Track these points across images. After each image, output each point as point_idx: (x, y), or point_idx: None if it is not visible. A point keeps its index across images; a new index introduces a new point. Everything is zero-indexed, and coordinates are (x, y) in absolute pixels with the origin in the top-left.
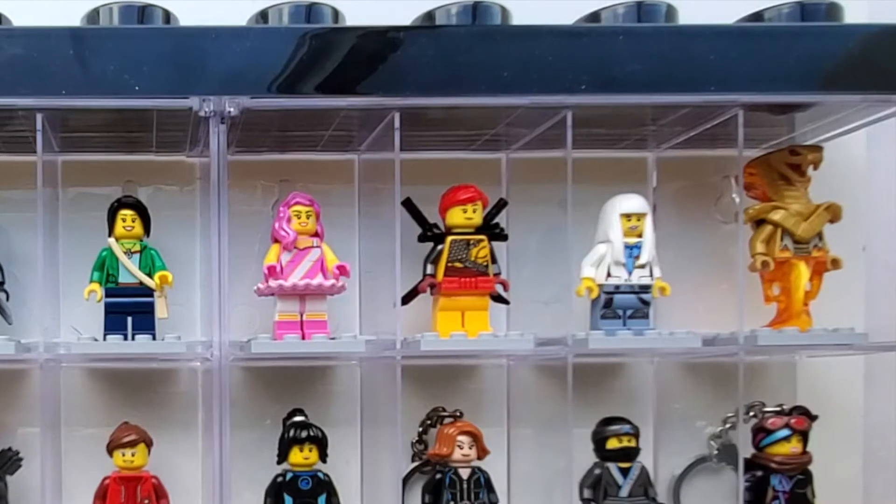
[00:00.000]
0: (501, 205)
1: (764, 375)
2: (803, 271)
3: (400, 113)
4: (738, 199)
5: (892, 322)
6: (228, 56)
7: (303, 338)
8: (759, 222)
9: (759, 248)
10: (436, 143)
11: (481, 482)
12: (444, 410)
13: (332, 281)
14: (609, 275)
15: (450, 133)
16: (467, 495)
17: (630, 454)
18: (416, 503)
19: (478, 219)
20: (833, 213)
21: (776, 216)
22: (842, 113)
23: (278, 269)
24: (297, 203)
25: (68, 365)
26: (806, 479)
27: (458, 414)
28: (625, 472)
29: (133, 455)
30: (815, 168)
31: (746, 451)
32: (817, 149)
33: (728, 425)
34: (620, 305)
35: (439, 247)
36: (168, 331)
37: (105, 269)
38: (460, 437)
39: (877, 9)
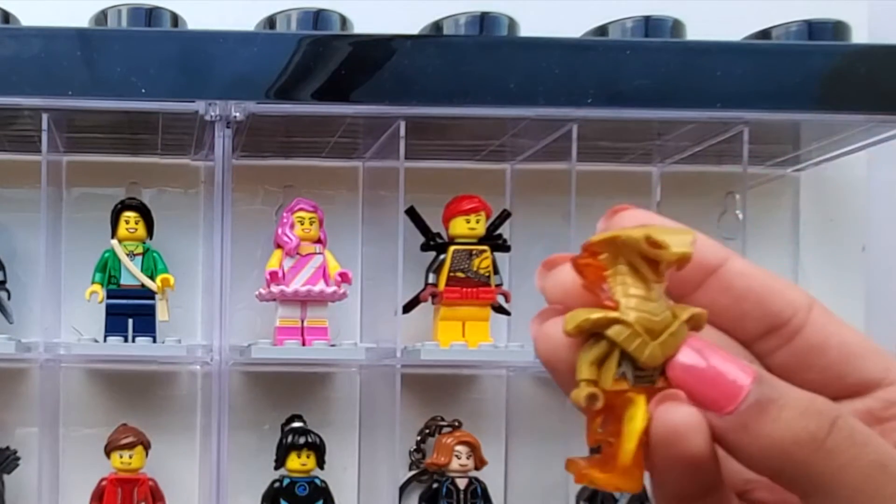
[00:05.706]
0: (505, 216)
1: None
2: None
3: (405, 122)
4: (741, 216)
5: (892, 322)
6: (235, 61)
7: (303, 344)
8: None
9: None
10: (440, 153)
11: (478, 493)
12: (442, 420)
13: (334, 288)
14: None
15: (455, 143)
16: None
17: None
18: None
19: (481, 229)
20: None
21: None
22: (847, 132)
23: (280, 274)
24: (300, 209)
25: (68, 365)
26: None
27: (456, 423)
28: None
29: (131, 457)
30: (679, 270)
31: None
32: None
33: None
34: None
35: (441, 256)
36: (169, 334)
37: (107, 270)
38: (458, 447)
39: (876, 27)
